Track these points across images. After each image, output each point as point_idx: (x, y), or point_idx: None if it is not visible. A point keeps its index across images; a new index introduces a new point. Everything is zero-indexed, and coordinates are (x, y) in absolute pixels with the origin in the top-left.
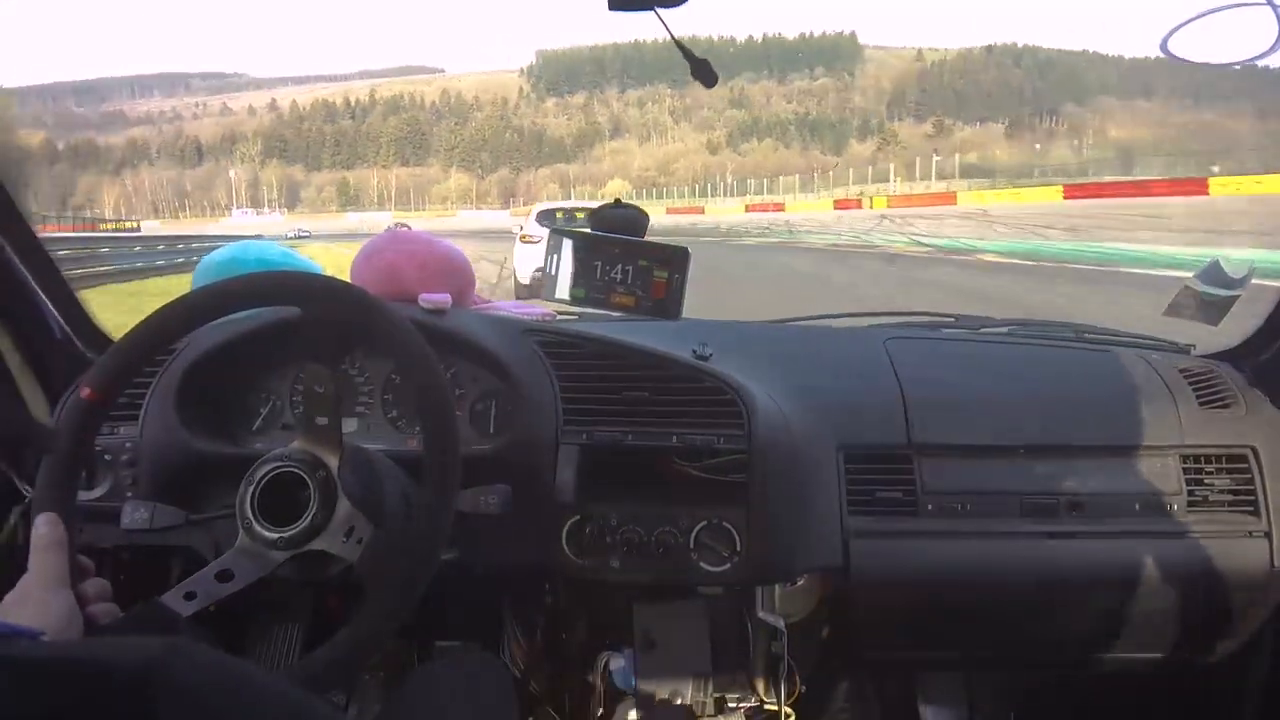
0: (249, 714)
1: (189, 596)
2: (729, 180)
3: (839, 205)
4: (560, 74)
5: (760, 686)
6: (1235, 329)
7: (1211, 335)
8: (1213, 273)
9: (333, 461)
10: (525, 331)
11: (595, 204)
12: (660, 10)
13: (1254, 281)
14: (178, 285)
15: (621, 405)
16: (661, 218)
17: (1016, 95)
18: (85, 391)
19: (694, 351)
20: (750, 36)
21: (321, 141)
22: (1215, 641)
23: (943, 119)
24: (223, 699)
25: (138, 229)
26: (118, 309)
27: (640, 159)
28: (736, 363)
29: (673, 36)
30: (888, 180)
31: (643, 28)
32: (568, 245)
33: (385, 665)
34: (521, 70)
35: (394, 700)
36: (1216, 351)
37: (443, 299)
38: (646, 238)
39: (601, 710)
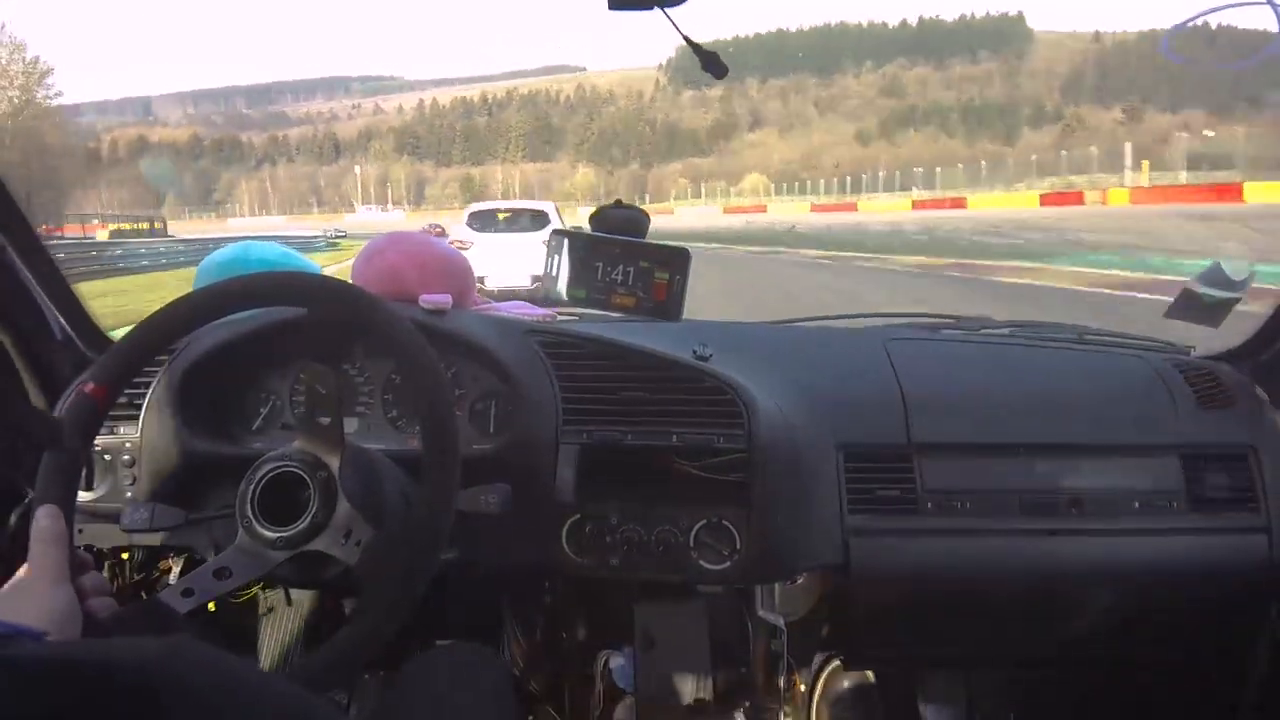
0: (250, 713)
1: (186, 593)
2: (886, 173)
3: (1049, 201)
4: (698, 67)
5: (760, 685)
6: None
7: (1211, 336)
8: (1214, 275)
9: (334, 462)
10: (526, 332)
11: (529, 204)
12: (665, 8)
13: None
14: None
15: (621, 405)
16: (808, 216)
17: (1212, 79)
18: (89, 387)
19: (694, 352)
20: (904, 21)
21: (452, 137)
22: (1215, 640)
23: (1135, 104)
24: (224, 698)
25: (163, 229)
26: None
27: (781, 151)
28: (736, 363)
29: (680, 32)
30: (1087, 171)
31: (783, 16)
32: (568, 246)
33: (386, 664)
34: (660, 65)
35: (392, 689)
36: (1216, 353)
37: (443, 300)
38: (648, 239)
39: (601, 709)
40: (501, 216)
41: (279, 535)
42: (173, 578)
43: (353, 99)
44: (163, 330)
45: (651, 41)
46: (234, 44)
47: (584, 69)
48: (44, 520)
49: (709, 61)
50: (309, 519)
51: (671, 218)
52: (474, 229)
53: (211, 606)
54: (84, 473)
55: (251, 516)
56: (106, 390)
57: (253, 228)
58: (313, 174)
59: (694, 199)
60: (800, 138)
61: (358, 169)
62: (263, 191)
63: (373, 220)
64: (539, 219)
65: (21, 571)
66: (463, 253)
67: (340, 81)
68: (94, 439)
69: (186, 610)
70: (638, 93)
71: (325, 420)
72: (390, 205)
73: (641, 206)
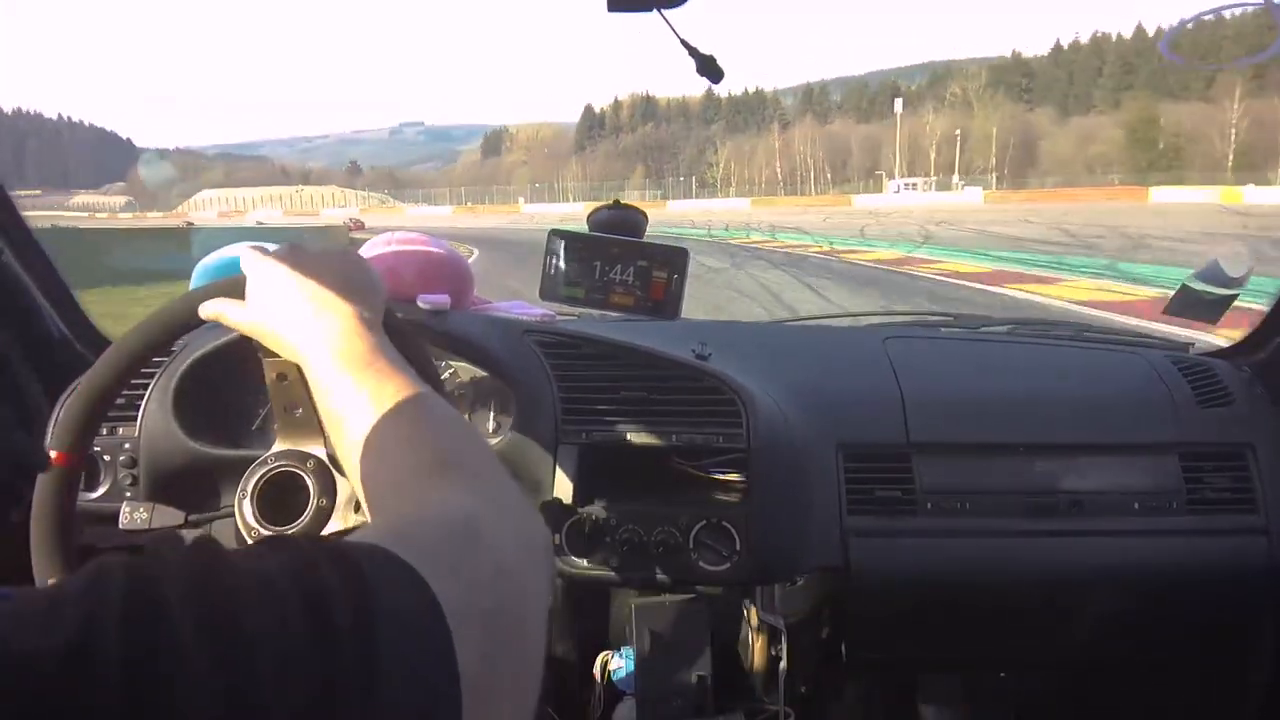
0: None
1: None
2: None
3: None
4: None
5: (760, 686)
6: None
7: (1210, 335)
8: (1212, 272)
9: (318, 448)
10: (524, 332)
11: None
12: (662, 10)
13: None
14: None
15: (621, 405)
16: None
17: None
18: (54, 455)
19: (693, 351)
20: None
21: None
22: (1215, 640)
23: None
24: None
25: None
26: None
27: None
28: (736, 363)
29: (677, 35)
30: None
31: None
32: (567, 246)
33: None
34: None
35: None
36: (1215, 350)
37: (442, 300)
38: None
39: (601, 710)
40: None
41: (289, 531)
42: None
43: None
44: (108, 380)
45: None
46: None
47: None
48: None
49: (705, 66)
50: (313, 509)
51: None
52: None
53: None
54: (83, 474)
55: (256, 525)
56: (66, 457)
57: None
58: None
59: None
60: None
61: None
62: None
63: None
64: None
65: None
66: None
67: None
68: (73, 504)
69: None
70: None
71: (297, 412)
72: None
73: None
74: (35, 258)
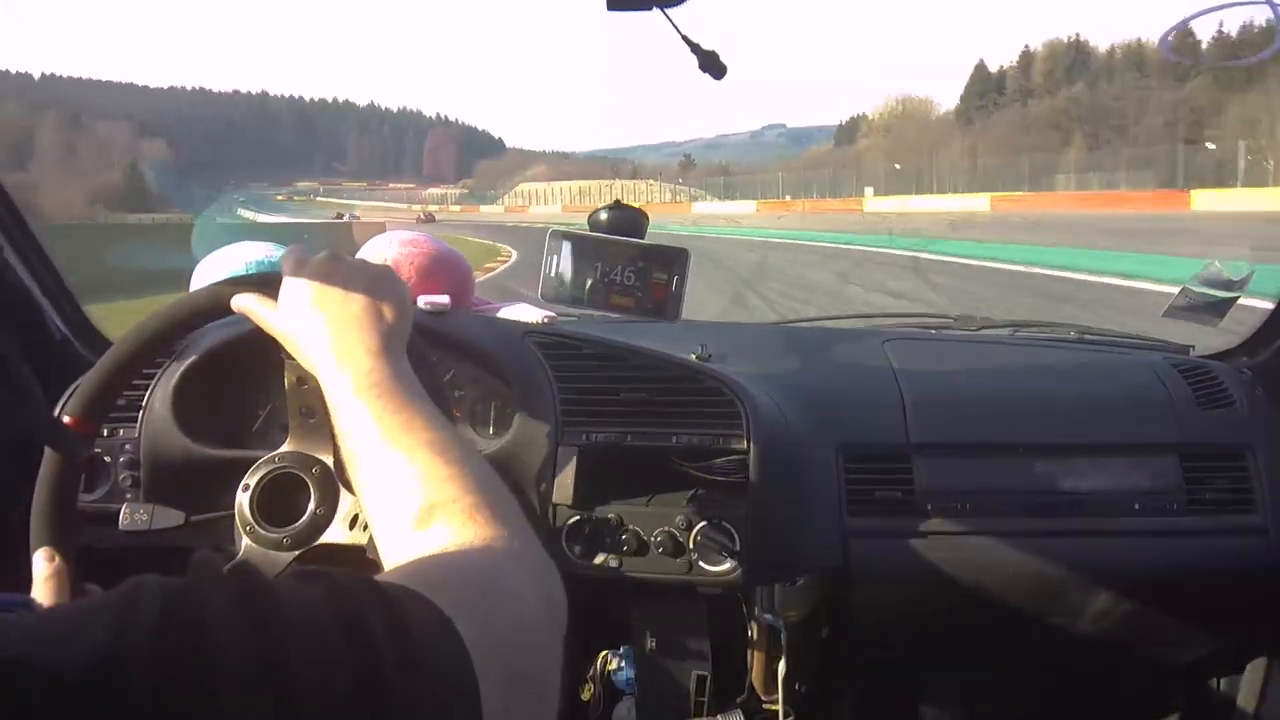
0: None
1: None
2: None
3: None
4: None
5: (760, 687)
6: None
7: (1210, 336)
8: (1212, 274)
9: (327, 456)
10: (524, 333)
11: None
12: (663, 9)
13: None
14: None
15: (621, 406)
16: None
17: None
18: (69, 419)
19: (694, 352)
20: None
21: None
22: (1215, 640)
23: None
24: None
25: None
26: None
27: None
28: (736, 363)
29: (680, 33)
30: None
31: None
32: (567, 246)
33: None
34: None
35: None
36: (1215, 352)
37: (441, 300)
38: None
39: (601, 709)
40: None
41: (283, 535)
42: None
43: None
44: (130, 357)
45: None
46: None
47: None
48: (40, 562)
49: (707, 62)
50: (310, 515)
51: None
52: None
53: None
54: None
55: (253, 522)
56: (80, 421)
57: None
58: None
59: None
60: None
61: None
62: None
63: None
64: None
65: None
66: None
67: None
68: (84, 464)
69: None
70: None
71: (312, 419)
72: None
73: None
74: (35, 257)
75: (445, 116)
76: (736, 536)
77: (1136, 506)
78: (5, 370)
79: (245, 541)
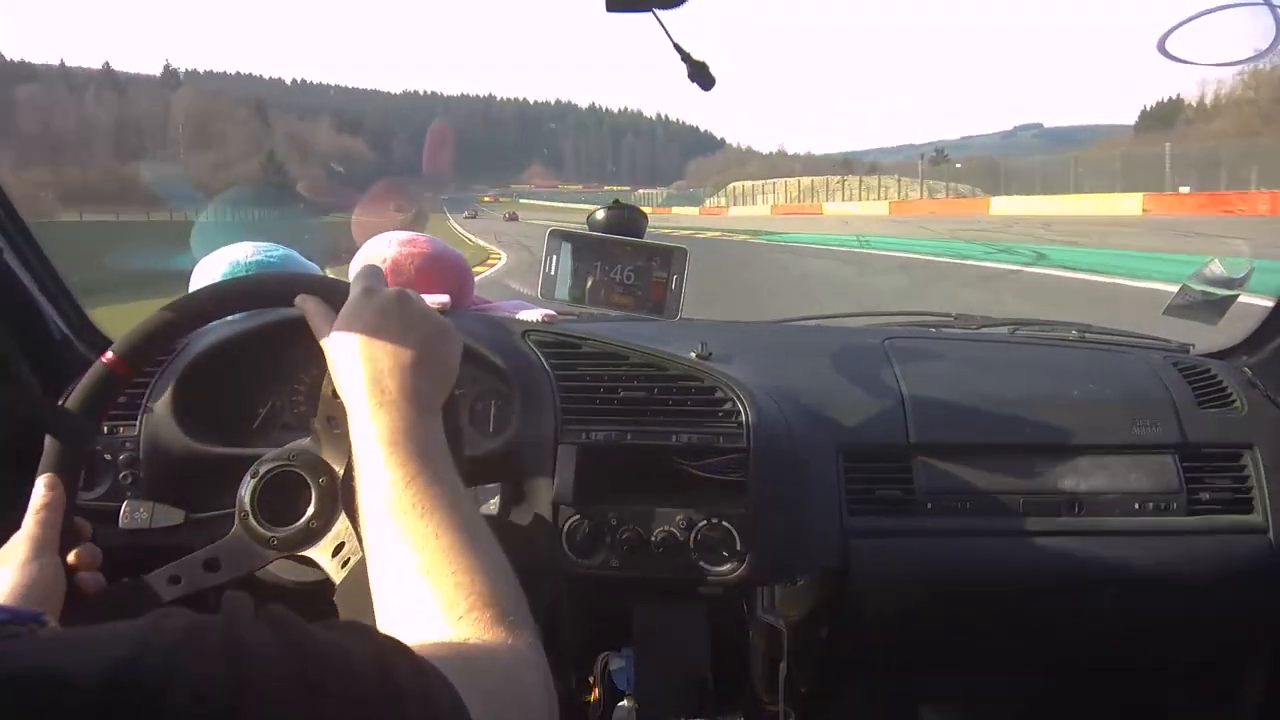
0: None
1: (173, 580)
2: None
3: None
4: None
5: (760, 687)
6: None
7: (1210, 335)
8: (1212, 272)
9: (339, 469)
10: (524, 332)
11: None
12: (658, 12)
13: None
14: None
15: (621, 405)
16: None
17: None
18: (108, 357)
19: (693, 352)
20: None
21: None
22: (1215, 640)
23: None
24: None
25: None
26: None
27: None
28: (736, 363)
29: (670, 39)
30: None
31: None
32: (567, 246)
33: None
34: None
35: None
36: (1215, 351)
37: (441, 299)
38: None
39: (601, 710)
40: None
41: (274, 535)
42: None
43: None
44: (194, 312)
45: None
46: None
47: None
48: (41, 488)
49: (696, 72)
50: (305, 523)
51: None
52: None
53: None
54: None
55: (250, 511)
56: (126, 364)
57: None
58: None
59: None
60: None
61: None
62: None
63: None
64: None
65: (14, 538)
66: None
67: None
68: (106, 412)
69: (171, 599)
70: None
71: (337, 430)
72: None
73: None
74: (35, 257)
75: (665, 116)
76: (736, 536)
77: (1136, 506)
78: (5, 369)
79: (235, 529)
